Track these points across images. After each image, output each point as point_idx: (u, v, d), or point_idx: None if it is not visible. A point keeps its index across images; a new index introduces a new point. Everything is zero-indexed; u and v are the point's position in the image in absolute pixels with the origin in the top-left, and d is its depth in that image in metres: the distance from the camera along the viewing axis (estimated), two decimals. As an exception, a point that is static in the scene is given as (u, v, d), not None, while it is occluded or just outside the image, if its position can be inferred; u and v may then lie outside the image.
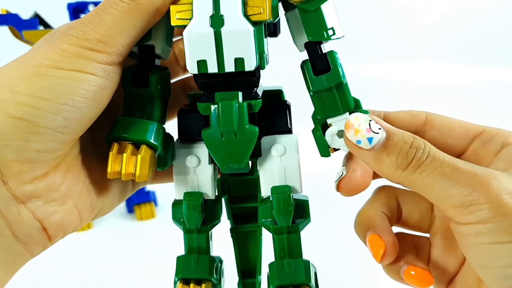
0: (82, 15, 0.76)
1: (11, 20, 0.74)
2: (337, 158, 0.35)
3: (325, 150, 0.33)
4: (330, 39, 0.31)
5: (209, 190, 0.34)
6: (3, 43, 0.84)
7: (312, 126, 0.33)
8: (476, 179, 0.27)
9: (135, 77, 0.32)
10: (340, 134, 0.32)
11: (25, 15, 0.76)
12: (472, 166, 0.28)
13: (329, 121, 0.33)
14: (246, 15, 0.29)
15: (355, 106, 0.32)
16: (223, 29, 0.29)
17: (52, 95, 0.27)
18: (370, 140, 0.29)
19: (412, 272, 0.32)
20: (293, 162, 0.33)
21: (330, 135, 0.32)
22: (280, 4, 0.31)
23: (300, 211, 0.33)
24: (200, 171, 0.34)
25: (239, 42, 0.29)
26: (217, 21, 0.29)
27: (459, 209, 0.27)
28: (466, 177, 0.27)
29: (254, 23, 0.29)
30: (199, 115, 0.32)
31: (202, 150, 0.34)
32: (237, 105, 0.30)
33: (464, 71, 1.45)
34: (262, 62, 0.31)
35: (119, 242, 0.74)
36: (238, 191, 0.38)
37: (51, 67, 0.28)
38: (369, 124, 0.29)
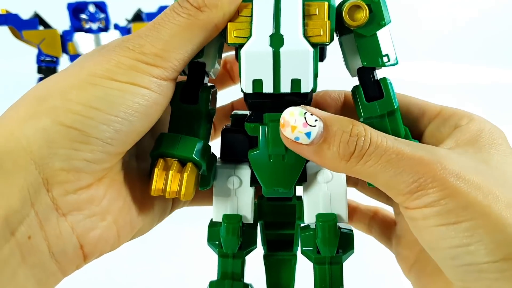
0: (82, 15, 0.76)
1: (11, 20, 0.74)
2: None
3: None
4: (385, 65, 0.30)
5: (248, 213, 0.33)
6: (3, 43, 0.84)
7: None
8: (421, 164, 0.26)
9: (184, 93, 0.32)
10: None
11: (25, 15, 0.76)
12: (417, 149, 0.27)
13: None
14: (306, 36, 0.28)
15: (405, 135, 0.31)
16: (282, 49, 0.28)
17: (105, 106, 0.27)
18: (308, 135, 0.28)
19: None
20: (340, 189, 0.32)
21: None
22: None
23: (344, 241, 0.32)
24: (241, 193, 0.33)
25: (298, 63, 0.28)
26: (277, 40, 0.28)
27: (406, 195, 0.27)
28: (411, 162, 0.27)
29: (313, 45, 0.29)
30: (243, 136, 0.32)
31: (244, 171, 0.33)
32: None
33: (465, 71, 1.45)
34: (315, 84, 0.30)
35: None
36: (274, 217, 0.36)
37: (105, 78, 0.27)
38: (305, 117, 0.28)
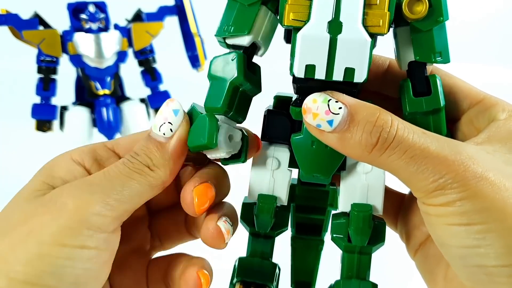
0: (82, 15, 0.76)
1: (11, 20, 0.74)
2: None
3: None
4: (437, 62, 0.30)
5: (284, 195, 0.33)
6: (3, 43, 0.84)
7: None
8: (444, 163, 0.26)
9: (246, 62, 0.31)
10: None
11: (25, 15, 0.76)
12: (443, 147, 0.26)
13: None
14: (365, 26, 0.28)
15: (447, 135, 0.31)
16: (340, 36, 0.28)
17: (54, 281, 0.26)
18: (330, 122, 0.27)
19: None
20: (378, 181, 0.32)
21: None
22: None
23: (376, 233, 0.32)
24: (278, 175, 0.33)
25: (354, 52, 0.28)
26: (335, 27, 0.28)
27: (425, 193, 0.27)
28: (435, 161, 0.26)
29: (371, 35, 0.28)
30: (286, 118, 0.32)
31: (283, 154, 0.33)
32: None
33: (468, 71, 1.44)
34: (367, 75, 0.29)
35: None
36: (306, 201, 0.37)
37: (54, 245, 0.26)
38: (328, 105, 0.27)
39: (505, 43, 1.51)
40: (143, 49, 0.81)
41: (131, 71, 0.85)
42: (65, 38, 0.77)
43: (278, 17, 0.30)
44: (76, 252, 0.26)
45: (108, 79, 0.81)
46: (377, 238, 0.32)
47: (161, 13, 0.82)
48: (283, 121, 0.33)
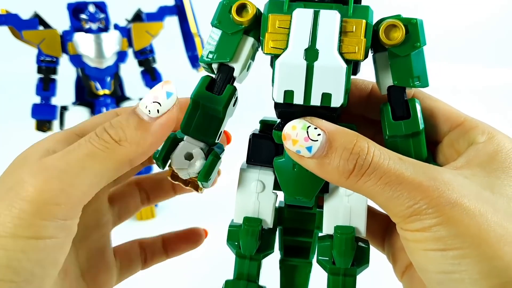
0: (82, 15, 0.76)
1: (11, 20, 0.74)
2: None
3: None
4: (415, 86, 0.31)
5: (269, 218, 0.34)
6: (3, 43, 0.84)
7: None
8: (419, 189, 0.26)
9: (211, 84, 0.32)
10: None
11: (25, 15, 0.76)
12: (418, 173, 0.27)
13: None
14: (341, 53, 0.29)
15: (427, 158, 0.31)
16: (316, 63, 0.28)
17: (10, 274, 0.25)
18: (309, 149, 0.28)
19: None
20: (360, 203, 0.33)
21: None
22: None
23: (360, 255, 0.33)
24: (263, 198, 0.34)
25: (330, 78, 0.29)
26: (311, 54, 0.28)
27: (401, 218, 0.27)
28: (410, 187, 0.26)
29: (347, 61, 0.29)
30: (270, 142, 0.33)
31: (268, 177, 0.34)
32: None
33: (467, 72, 1.45)
34: (345, 99, 0.30)
35: (118, 241, 0.74)
36: (293, 223, 0.37)
37: (8, 236, 0.25)
38: (307, 132, 0.28)
39: (504, 44, 1.51)
40: (143, 49, 0.81)
41: (131, 71, 0.85)
42: (65, 38, 0.77)
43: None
44: (30, 243, 0.25)
45: (108, 79, 0.81)
46: (361, 260, 0.33)
47: (161, 13, 0.82)
48: (268, 144, 0.34)
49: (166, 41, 0.84)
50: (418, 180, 0.26)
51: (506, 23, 1.53)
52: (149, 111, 0.28)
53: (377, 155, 0.27)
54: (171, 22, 0.83)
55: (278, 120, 0.31)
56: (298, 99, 0.29)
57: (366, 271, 0.33)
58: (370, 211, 0.36)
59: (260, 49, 0.31)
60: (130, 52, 0.82)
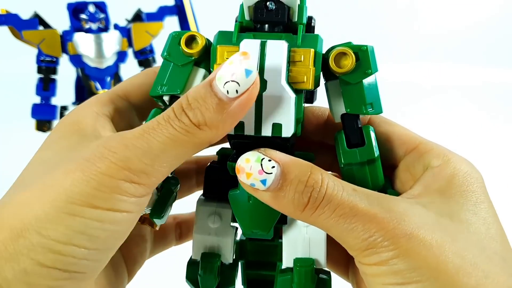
0: (82, 15, 0.76)
1: (11, 20, 0.74)
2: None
3: None
4: (368, 113, 0.30)
5: (228, 253, 0.33)
6: (3, 43, 0.84)
7: None
8: (374, 221, 0.26)
9: None
10: None
11: (25, 15, 0.76)
12: (373, 205, 0.26)
13: None
14: (289, 82, 0.29)
15: (385, 185, 0.31)
16: (264, 94, 0.28)
17: (86, 242, 0.25)
18: (263, 182, 0.27)
19: None
20: (319, 234, 0.32)
21: None
22: (321, 73, 0.31)
23: (321, 287, 0.32)
24: (221, 232, 0.33)
25: (279, 108, 0.28)
26: (260, 85, 0.28)
27: (358, 251, 0.26)
28: (364, 219, 0.26)
29: (296, 91, 0.29)
30: (227, 174, 0.31)
31: (226, 210, 0.33)
32: None
33: (465, 72, 1.45)
34: (298, 129, 0.30)
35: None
36: (256, 256, 0.36)
37: (84, 205, 0.25)
38: (261, 164, 0.27)
39: (496, 44, 1.51)
40: (143, 49, 0.81)
41: (131, 71, 0.85)
42: (65, 38, 0.77)
43: None
44: (107, 215, 0.25)
45: (108, 79, 0.81)
46: None
47: (161, 13, 0.82)
48: (225, 176, 0.32)
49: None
50: (372, 211, 0.26)
51: (498, 24, 1.53)
52: (228, 91, 0.26)
53: (331, 186, 0.26)
54: (171, 22, 0.83)
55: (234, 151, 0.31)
56: (249, 130, 0.29)
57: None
58: (332, 239, 0.36)
59: None
60: (130, 52, 0.82)
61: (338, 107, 0.32)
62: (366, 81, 0.30)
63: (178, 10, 0.82)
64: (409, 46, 1.47)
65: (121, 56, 0.81)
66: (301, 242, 0.32)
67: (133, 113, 0.34)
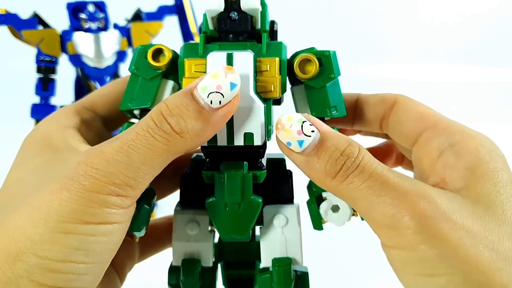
0: (82, 15, 0.76)
1: (10, 20, 0.74)
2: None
3: (318, 223, 0.33)
4: (333, 116, 0.32)
5: (208, 257, 0.34)
6: (3, 43, 0.84)
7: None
8: (403, 198, 0.25)
9: None
10: (335, 208, 0.32)
11: (24, 14, 0.76)
12: (403, 181, 0.26)
13: (324, 194, 0.33)
14: (257, 92, 0.29)
15: None
16: None
17: (83, 257, 0.25)
18: (300, 143, 0.27)
19: None
20: (294, 233, 0.33)
21: (324, 209, 0.32)
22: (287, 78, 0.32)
23: (300, 283, 0.33)
24: (200, 238, 0.34)
25: (250, 118, 0.29)
26: None
27: (384, 229, 0.26)
28: (394, 194, 0.25)
29: (264, 99, 0.29)
30: (202, 182, 0.32)
31: (203, 217, 0.34)
32: (242, 176, 0.30)
33: (469, 72, 1.45)
34: (268, 134, 0.31)
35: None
36: (235, 256, 0.37)
37: (76, 222, 0.25)
38: (302, 126, 0.27)
39: (486, 42, 1.51)
40: (142, 49, 0.81)
41: (130, 71, 0.85)
42: (64, 38, 0.76)
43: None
44: (99, 228, 0.25)
45: (108, 79, 0.81)
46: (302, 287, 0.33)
47: (160, 13, 0.82)
48: (200, 184, 0.33)
49: (166, 41, 0.84)
50: (403, 187, 0.25)
51: (499, 23, 1.53)
52: (211, 101, 0.26)
53: (367, 159, 0.27)
54: (171, 22, 0.83)
55: (207, 160, 0.32)
56: (222, 141, 0.29)
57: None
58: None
59: None
60: (129, 51, 0.81)
61: (304, 111, 0.33)
62: (330, 85, 0.31)
63: (178, 9, 0.82)
64: (409, 46, 1.47)
65: (121, 55, 0.80)
66: (278, 243, 0.33)
67: (99, 123, 0.34)
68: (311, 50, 0.32)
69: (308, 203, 0.33)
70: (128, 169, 0.25)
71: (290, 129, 0.27)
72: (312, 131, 0.27)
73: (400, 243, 0.25)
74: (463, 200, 0.26)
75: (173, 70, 0.31)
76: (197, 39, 0.82)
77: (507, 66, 1.46)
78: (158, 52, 0.31)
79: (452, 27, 1.52)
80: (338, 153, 0.27)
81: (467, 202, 0.26)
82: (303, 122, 0.27)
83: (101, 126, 0.34)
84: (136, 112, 0.32)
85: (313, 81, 0.31)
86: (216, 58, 0.29)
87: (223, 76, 0.27)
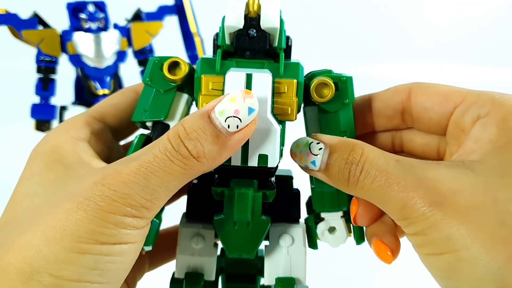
0: (82, 15, 0.76)
1: (10, 20, 0.74)
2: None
3: (313, 242, 0.33)
4: None
5: (211, 271, 0.34)
6: (3, 43, 0.84)
7: None
8: (406, 190, 0.26)
9: (147, 142, 0.31)
10: (331, 229, 0.33)
11: (24, 14, 0.76)
12: (406, 171, 0.27)
13: (322, 214, 0.33)
14: (274, 114, 0.29)
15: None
16: None
17: (97, 277, 0.25)
18: (313, 163, 0.29)
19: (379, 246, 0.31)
20: (300, 254, 0.33)
21: (321, 230, 0.33)
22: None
23: None
24: (204, 253, 0.33)
25: (265, 140, 0.29)
26: None
27: (399, 221, 0.27)
28: (397, 189, 0.26)
29: (280, 121, 0.30)
30: (209, 195, 0.32)
31: (209, 231, 0.34)
32: (253, 195, 0.30)
33: (470, 72, 1.44)
34: (280, 154, 0.30)
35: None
36: (236, 269, 0.37)
37: (92, 242, 0.25)
38: (309, 148, 0.29)
39: (487, 43, 1.51)
40: (142, 49, 0.81)
41: (130, 71, 0.85)
42: (65, 38, 0.76)
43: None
44: (114, 248, 0.25)
45: (108, 79, 0.81)
46: None
47: (160, 13, 0.82)
48: (207, 198, 0.33)
49: (166, 41, 0.84)
50: (405, 180, 0.26)
51: (498, 23, 1.53)
52: (228, 126, 0.26)
53: (370, 159, 0.27)
54: (171, 22, 0.83)
55: (216, 176, 0.31)
56: (236, 161, 0.29)
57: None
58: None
59: (194, 104, 0.31)
60: (129, 51, 0.81)
61: (314, 131, 0.33)
62: (343, 110, 0.32)
63: (178, 9, 0.82)
64: (410, 46, 1.47)
65: (121, 55, 0.80)
66: (282, 262, 0.33)
67: (109, 134, 0.34)
68: (328, 73, 0.31)
69: (307, 220, 0.34)
70: (145, 191, 0.25)
71: (301, 155, 0.29)
72: (320, 149, 0.29)
73: (412, 230, 0.27)
74: (474, 174, 0.26)
75: (188, 84, 0.31)
76: (197, 39, 0.81)
77: (510, 66, 1.46)
78: (174, 65, 0.31)
79: (454, 28, 1.52)
80: (343, 162, 0.28)
81: (479, 176, 0.26)
82: (310, 143, 0.29)
83: (110, 137, 0.34)
84: (149, 124, 0.32)
85: (327, 105, 0.31)
86: (235, 77, 0.29)
87: (241, 101, 0.26)
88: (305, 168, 0.30)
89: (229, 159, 0.29)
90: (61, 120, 0.80)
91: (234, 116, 0.26)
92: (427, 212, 0.25)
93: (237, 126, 0.26)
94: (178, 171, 0.26)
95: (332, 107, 0.31)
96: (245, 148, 0.29)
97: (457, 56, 1.48)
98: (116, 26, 0.80)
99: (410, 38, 1.47)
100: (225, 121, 0.26)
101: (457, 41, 1.51)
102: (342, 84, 0.31)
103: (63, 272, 0.24)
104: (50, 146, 0.30)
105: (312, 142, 0.29)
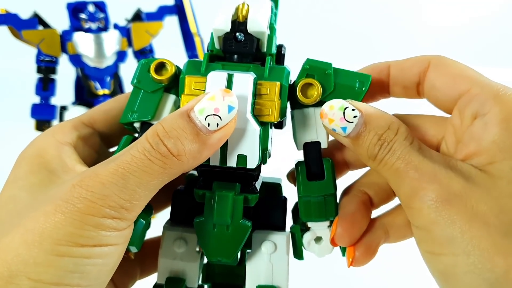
0: (82, 15, 0.76)
1: (10, 20, 0.74)
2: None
3: (299, 252, 0.33)
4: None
5: (193, 278, 0.33)
6: (3, 43, 0.84)
7: None
8: (419, 181, 0.26)
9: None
10: (318, 239, 0.32)
11: (25, 14, 0.76)
12: (425, 162, 0.27)
13: (309, 224, 0.33)
14: (255, 115, 0.29)
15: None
16: None
17: (78, 280, 0.25)
18: (344, 129, 0.28)
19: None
20: (282, 262, 0.33)
21: (307, 239, 0.32)
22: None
23: None
24: (186, 258, 0.33)
25: (244, 140, 0.29)
26: None
27: (405, 208, 0.27)
28: (413, 176, 0.26)
29: (261, 123, 0.29)
30: (194, 200, 0.32)
31: (191, 236, 0.33)
32: (233, 198, 0.30)
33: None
34: (264, 158, 0.30)
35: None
36: (224, 278, 0.37)
37: (71, 245, 0.24)
38: (344, 112, 0.28)
39: (489, 43, 1.51)
40: (142, 49, 0.81)
41: (130, 71, 0.84)
42: (65, 38, 0.76)
43: None
44: (94, 250, 0.25)
45: (108, 79, 0.81)
46: None
47: (160, 13, 0.82)
48: (191, 202, 0.32)
49: (166, 41, 0.84)
50: (421, 170, 0.27)
51: (498, 23, 1.53)
52: (209, 124, 0.26)
53: (400, 141, 0.27)
54: (171, 22, 0.83)
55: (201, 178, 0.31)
56: (215, 161, 0.29)
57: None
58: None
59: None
60: (129, 51, 0.81)
61: (302, 135, 0.32)
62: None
63: (178, 9, 0.82)
64: (410, 46, 1.47)
65: (121, 55, 0.80)
66: (264, 269, 0.32)
67: (97, 139, 0.34)
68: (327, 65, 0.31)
69: (292, 229, 0.33)
70: (123, 191, 0.25)
71: (333, 117, 0.28)
72: (355, 116, 0.28)
73: (415, 222, 0.27)
74: (483, 178, 0.26)
75: (175, 84, 0.31)
76: (197, 39, 0.81)
77: (510, 66, 1.46)
78: (160, 66, 0.31)
79: (454, 28, 1.52)
80: (376, 138, 0.28)
81: (487, 181, 0.26)
82: (345, 108, 0.28)
83: (99, 142, 0.34)
84: (137, 125, 0.32)
85: (317, 107, 0.31)
86: (216, 77, 0.29)
87: (221, 99, 0.26)
88: (332, 131, 0.29)
89: (208, 160, 0.29)
90: (61, 120, 0.80)
91: (214, 114, 0.26)
92: (433, 207, 0.25)
93: (217, 125, 0.26)
94: (157, 170, 0.26)
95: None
96: (224, 148, 0.29)
97: (457, 56, 1.48)
98: (116, 26, 0.80)
99: (410, 38, 1.47)
100: (205, 119, 0.26)
101: (457, 41, 1.51)
102: (328, 84, 0.31)
103: (42, 276, 0.24)
104: (36, 150, 0.30)
105: (348, 107, 0.28)
